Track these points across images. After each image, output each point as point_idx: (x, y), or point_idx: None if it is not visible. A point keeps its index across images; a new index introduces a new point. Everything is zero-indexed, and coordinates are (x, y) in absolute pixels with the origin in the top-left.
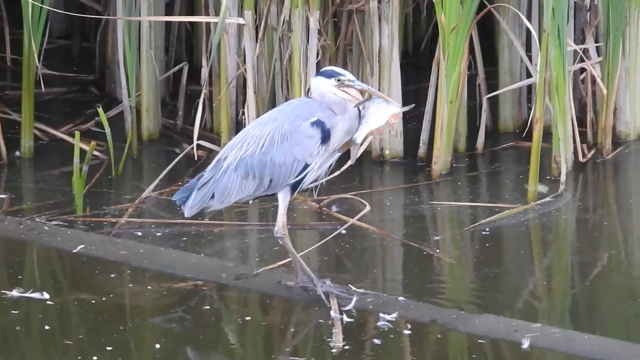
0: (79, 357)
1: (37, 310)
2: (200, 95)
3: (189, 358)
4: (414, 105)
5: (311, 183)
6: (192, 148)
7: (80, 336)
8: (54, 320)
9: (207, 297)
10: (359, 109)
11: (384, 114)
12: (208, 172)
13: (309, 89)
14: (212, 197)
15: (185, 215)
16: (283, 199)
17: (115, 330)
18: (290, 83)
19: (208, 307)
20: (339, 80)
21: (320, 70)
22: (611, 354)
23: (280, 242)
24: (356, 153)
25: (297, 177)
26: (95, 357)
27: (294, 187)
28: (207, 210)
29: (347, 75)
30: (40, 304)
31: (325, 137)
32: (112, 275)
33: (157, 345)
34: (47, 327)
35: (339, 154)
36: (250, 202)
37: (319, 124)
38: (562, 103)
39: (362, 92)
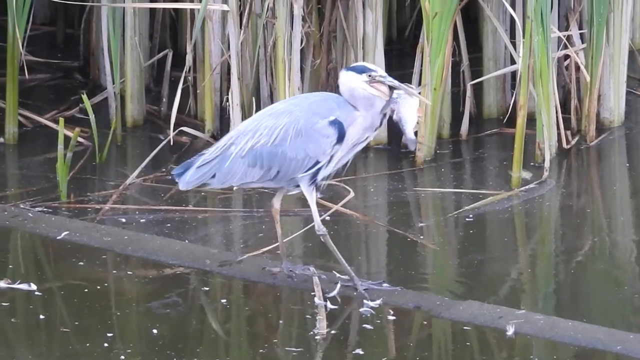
0: (87, 344)
1: (26, 300)
2: (182, 81)
3: (181, 344)
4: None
5: (327, 177)
6: (174, 135)
7: (77, 323)
8: (47, 310)
9: (192, 284)
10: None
11: (414, 107)
12: (211, 152)
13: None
14: (213, 177)
15: (180, 188)
16: (310, 196)
17: (110, 317)
18: (275, 70)
19: (192, 295)
20: (370, 75)
21: (351, 65)
22: (595, 340)
23: (322, 240)
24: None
25: (305, 172)
26: (106, 344)
27: (314, 183)
28: (204, 188)
29: (379, 71)
30: (28, 294)
31: (341, 137)
32: (97, 263)
33: (155, 331)
34: (41, 317)
35: (362, 146)
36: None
37: (336, 123)
38: (545, 90)
39: (390, 87)
